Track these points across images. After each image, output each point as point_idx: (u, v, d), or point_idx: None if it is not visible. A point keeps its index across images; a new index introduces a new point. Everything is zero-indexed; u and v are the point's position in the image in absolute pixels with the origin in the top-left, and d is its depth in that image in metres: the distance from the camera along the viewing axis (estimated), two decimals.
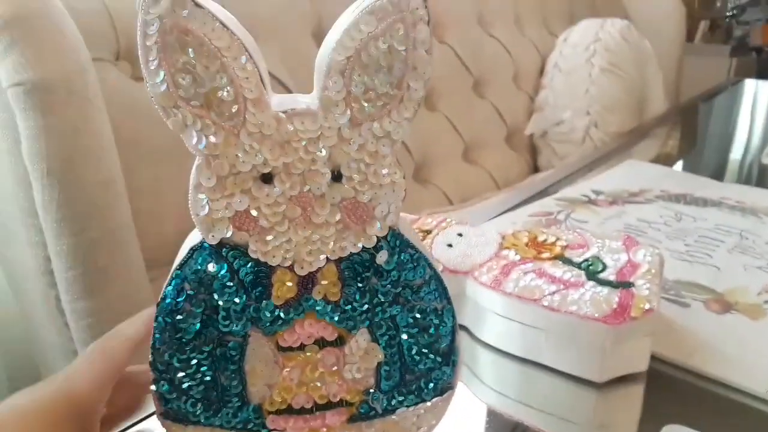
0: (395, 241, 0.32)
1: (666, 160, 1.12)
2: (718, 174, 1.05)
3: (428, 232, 0.55)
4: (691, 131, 1.35)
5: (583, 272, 0.47)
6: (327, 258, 0.31)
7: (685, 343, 0.48)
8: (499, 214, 0.77)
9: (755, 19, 2.81)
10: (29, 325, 0.64)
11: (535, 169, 1.29)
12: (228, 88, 0.29)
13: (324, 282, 0.32)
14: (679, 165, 1.10)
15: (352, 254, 0.32)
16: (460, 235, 0.55)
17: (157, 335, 0.31)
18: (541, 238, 0.53)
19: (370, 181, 0.31)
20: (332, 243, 0.31)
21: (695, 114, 1.42)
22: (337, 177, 0.30)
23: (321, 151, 0.30)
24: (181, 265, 0.31)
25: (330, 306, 0.32)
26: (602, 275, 0.47)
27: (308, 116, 0.30)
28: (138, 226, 0.59)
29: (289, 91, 0.97)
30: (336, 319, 0.32)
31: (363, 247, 0.32)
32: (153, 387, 0.32)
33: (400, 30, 0.29)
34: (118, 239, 0.56)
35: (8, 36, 0.52)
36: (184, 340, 0.31)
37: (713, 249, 0.64)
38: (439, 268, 0.51)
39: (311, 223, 0.31)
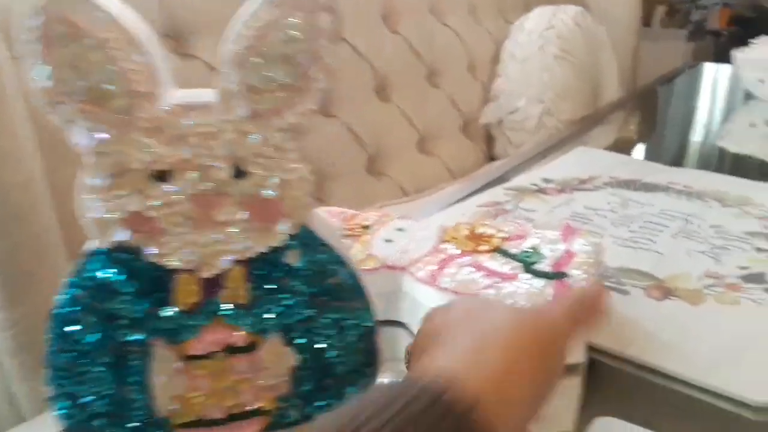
0: (307, 239, 0.31)
1: (623, 146, 1.12)
2: (677, 158, 1.05)
3: (367, 227, 0.54)
4: (649, 116, 1.35)
5: (520, 264, 0.46)
6: (233, 259, 0.30)
7: (623, 332, 0.47)
8: (449, 206, 0.76)
9: (713, 3, 2.84)
10: None
11: (491, 159, 1.29)
12: (115, 81, 0.27)
13: (231, 285, 0.30)
14: (637, 150, 1.11)
15: (260, 254, 0.30)
16: (400, 230, 0.53)
17: (53, 348, 0.29)
18: (479, 231, 0.52)
19: (276, 177, 0.29)
20: (237, 243, 0.30)
21: (652, 99, 1.43)
22: (239, 173, 0.29)
23: (220, 147, 0.28)
24: (75, 273, 0.29)
25: (239, 310, 0.31)
26: (538, 266, 0.46)
27: (205, 110, 0.28)
28: (66, 228, 0.57)
29: None
30: (247, 324, 0.31)
31: (272, 246, 0.30)
32: (52, 403, 0.30)
33: (301, 19, 0.28)
34: (43, 242, 0.54)
35: None
36: (81, 351, 0.29)
37: (657, 234, 0.63)
38: (377, 265, 0.50)
39: (213, 222, 0.29)
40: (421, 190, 1.08)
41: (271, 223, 0.30)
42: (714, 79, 1.61)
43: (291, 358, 0.32)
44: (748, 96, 1.30)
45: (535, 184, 0.80)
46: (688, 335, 0.47)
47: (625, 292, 0.53)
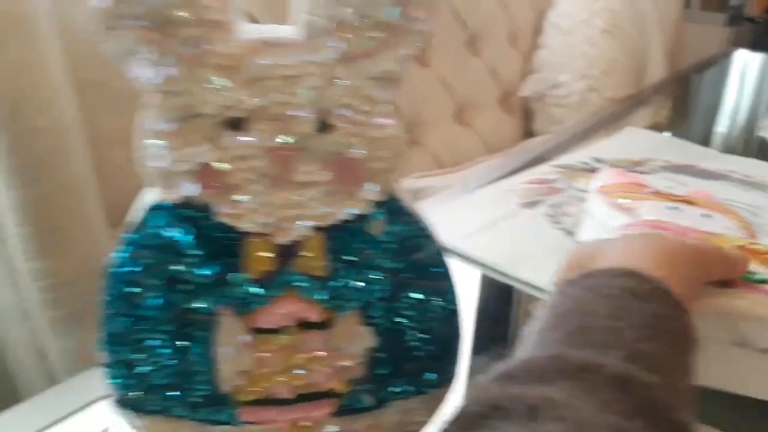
0: (394, 207, 0.27)
1: (659, 129, 1.08)
2: (714, 147, 1.01)
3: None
4: (685, 101, 1.30)
5: None
6: (311, 225, 0.26)
7: None
8: (492, 181, 0.72)
9: None
10: None
11: (528, 134, 1.24)
12: (187, 6, 0.23)
13: (306, 254, 0.27)
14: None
15: (341, 222, 0.27)
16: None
17: (109, 310, 0.26)
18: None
19: (365, 133, 0.25)
20: (317, 207, 0.26)
21: (691, 83, 1.38)
22: (324, 126, 0.25)
23: (304, 92, 0.24)
24: (137, 228, 0.26)
25: (316, 282, 0.27)
26: None
27: (289, 48, 0.24)
28: (102, 180, 0.54)
29: None
30: (322, 298, 0.27)
31: (355, 213, 0.27)
32: (106, 371, 0.27)
33: None
34: (76, 194, 0.51)
35: None
36: (141, 317, 0.26)
37: None
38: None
39: (292, 182, 0.26)
40: (456, 163, 1.04)
41: (354, 187, 0.26)
42: (744, 67, 1.55)
43: (368, 339, 0.28)
44: None
45: (585, 163, 0.76)
46: None
47: None
